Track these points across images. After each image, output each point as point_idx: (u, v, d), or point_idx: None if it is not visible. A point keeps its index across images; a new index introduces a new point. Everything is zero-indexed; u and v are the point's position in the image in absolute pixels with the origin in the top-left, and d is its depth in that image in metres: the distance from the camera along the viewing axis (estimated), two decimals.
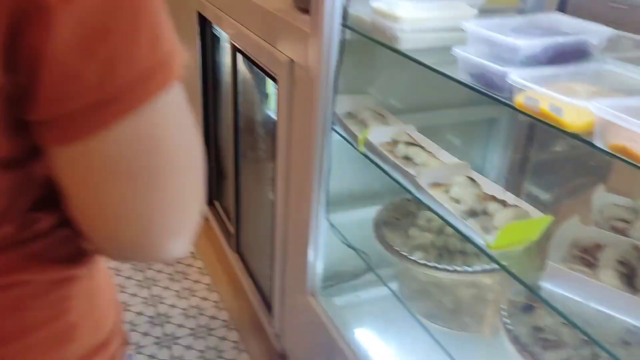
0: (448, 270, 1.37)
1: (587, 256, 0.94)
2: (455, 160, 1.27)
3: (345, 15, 1.35)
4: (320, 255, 1.70)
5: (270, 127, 1.92)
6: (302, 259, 1.73)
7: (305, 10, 1.64)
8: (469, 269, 1.37)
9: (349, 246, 1.68)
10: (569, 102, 0.79)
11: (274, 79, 1.70)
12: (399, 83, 1.64)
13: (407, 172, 1.18)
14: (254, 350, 2.10)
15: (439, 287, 1.65)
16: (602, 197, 1.11)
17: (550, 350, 1.10)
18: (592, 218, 1.05)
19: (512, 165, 1.85)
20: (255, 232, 2.29)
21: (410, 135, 1.35)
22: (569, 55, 0.95)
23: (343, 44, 1.38)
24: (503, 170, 1.85)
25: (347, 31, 1.37)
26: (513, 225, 0.99)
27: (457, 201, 1.10)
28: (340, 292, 1.80)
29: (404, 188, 1.21)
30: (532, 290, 0.93)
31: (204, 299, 2.39)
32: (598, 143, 0.76)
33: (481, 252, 1.02)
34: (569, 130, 0.81)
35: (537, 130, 1.79)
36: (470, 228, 1.03)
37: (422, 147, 1.31)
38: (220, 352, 2.09)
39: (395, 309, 1.59)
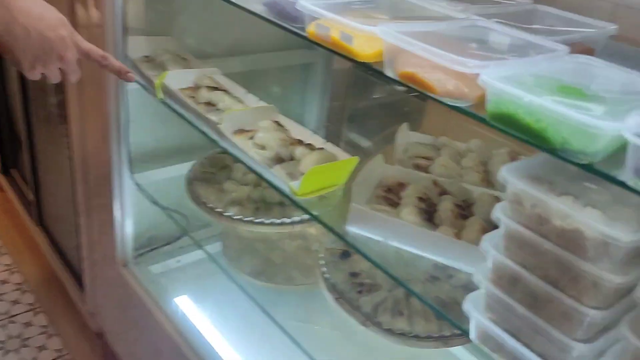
0: (264, 224, 1.30)
1: (390, 195, 0.91)
2: (262, 103, 1.18)
3: None
4: (128, 220, 1.52)
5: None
6: (110, 227, 1.54)
7: None
8: (287, 221, 1.31)
9: (161, 207, 1.53)
10: (360, 29, 0.72)
11: None
12: (205, 24, 1.49)
13: (208, 118, 1.06)
14: (67, 332, 1.87)
15: (263, 243, 1.58)
16: (405, 136, 1.10)
17: (366, 294, 1.09)
18: (397, 157, 1.03)
19: (330, 113, 1.82)
20: (57, 200, 2.01)
21: (214, 80, 1.22)
22: None
23: None
24: (322, 117, 1.82)
25: None
26: (317, 168, 0.92)
27: (262, 147, 1.01)
28: (156, 259, 1.65)
29: (207, 137, 1.09)
30: (340, 236, 0.88)
31: (4, 281, 2.07)
32: (388, 72, 0.71)
33: (289, 200, 0.94)
34: (359, 59, 0.74)
35: (354, 77, 1.78)
36: (275, 175, 0.95)
37: (226, 92, 1.19)
38: (25, 340, 1.82)
39: (219, 271, 1.50)
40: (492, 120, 0.60)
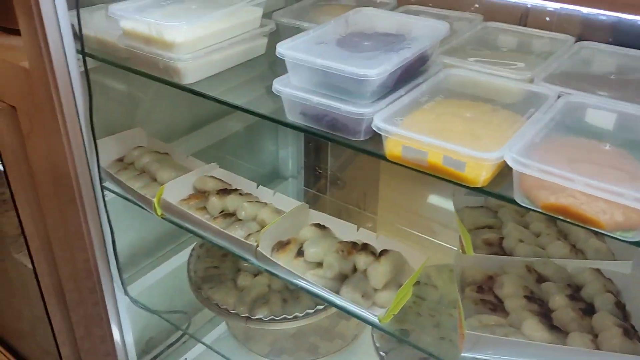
0: (298, 318, 1.16)
1: (487, 296, 0.81)
2: (285, 198, 1.02)
3: (80, 39, 0.94)
4: (128, 336, 1.32)
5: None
6: (103, 343, 1.33)
7: (8, 30, 1.15)
8: (321, 307, 1.17)
9: (160, 315, 1.34)
10: (470, 154, 0.59)
11: None
12: (166, 105, 1.29)
13: (244, 242, 0.89)
14: None
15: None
16: (460, 202, 1.00)
17: None
18: (464, 234, 0.93)
19: (307, 155, 1.69)
20: (17, 314, 1.74)
21: (217, 179, 1.05)
22: (412, 68, 0.76)
23: (87, 76, 0.98)
24: (300, 160, 1.68)
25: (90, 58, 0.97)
26: (403, 290, 0.80)
27: (319, 265, 0.86)
28: None
29: (243, 258, 0.93)
30: None
31: None
32: (521, 200, 0.59)
33: (372, 326, 0.82)
34: (471, 186, 0.62)
35: None
36: (348, 302, 0.81)
37: (238, 193, 1.02)
38: None
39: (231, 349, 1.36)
40: None
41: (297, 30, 0.95)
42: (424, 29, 0.80)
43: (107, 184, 1.10)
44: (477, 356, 0.74)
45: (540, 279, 0.83)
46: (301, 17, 0.99)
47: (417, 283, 1.05)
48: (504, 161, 0.58)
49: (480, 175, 0.60)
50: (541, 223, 0.93)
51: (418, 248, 1.25)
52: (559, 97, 0.71)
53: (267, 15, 0.99)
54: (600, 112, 0.67)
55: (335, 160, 1.68)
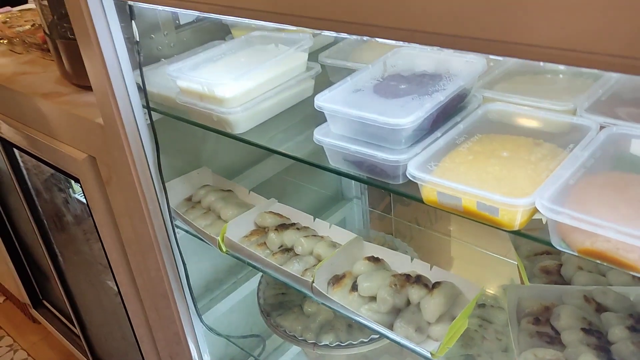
0: (364, 343, 1.18)
1: (544, 328, 0.80)
2: (341, 230, 1.06)
3: (145, 95, 1.02)
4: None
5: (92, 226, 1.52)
6: None
7: (87, 87, 1.27)
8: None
9: (235, 343, 1.41)
10: (501, 201, 0.60)
11: (75, 179, 1.31)
12: (225, 144, 1.37)
13: (299, 278, 0.94)
14: None
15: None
16: None
17: None
18: (519, 263, 0.92)
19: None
20: (108, 335, 1.89)
21: (275, 215, 1.10)
22: (449, 107, 0.77)
23: (153, 128, 1.06)
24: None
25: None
26: (456, 324, 0.81)
27: (372, 299, 0.89)
28: None
29: (302, 292, 0.97)
30: None
31: None
32: (558, 244, 0.59)
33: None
34: (506, 229, 0.63)
35: None
36: (401, 338, 0.83)
37: (295, 227, 1.06)
38: None
39: None
40: None
41: (342, 70, 0.99)
42: (462, 66, 0.81)
43: (177, 222, 1.19)
44: None
45: (600, 308, 0.81)
46: (345, 57, 1.02)
47: (484, 305, 1.05)
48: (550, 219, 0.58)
49: (515, 219, 0.61)
50: None
51: (487, 266, 1.23)
52: (601, 128, 0.69)
53: (313, 55, 1.04)
54: None
55: None
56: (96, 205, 1.28)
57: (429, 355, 0.80)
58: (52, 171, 1.60)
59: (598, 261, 0.57)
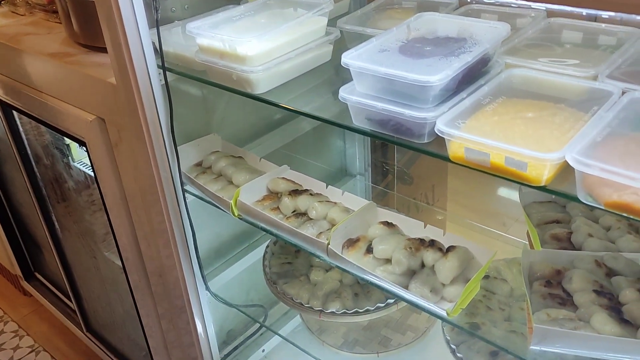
0: (370, 312, 1.20)
1: (555, 290, 0.82)
2: (353, 197, 1.07)
3: (161, 55, 1.02)
4: (210, 329, 1.41)
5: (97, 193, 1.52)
6: (188, 336, 1.43)
7: (96, 48, 1.26)
8: (391, 301, 1.21)
9: (239, 310, 1.42)
10: (531, 155, 0.62)
11: (81, 142, 1.30)
12: (239, 110, 1.37)
13: (315, 240, 0.95)
14: None
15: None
16: (525, 196, 1.01)
17: None
18: (531, 229, 0.94)
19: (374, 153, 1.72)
20: (106, 307, 1.89)
21: (289, 181, 1.11)
22: (474, 71, 0.78)
23: (167, 89, 1.06)
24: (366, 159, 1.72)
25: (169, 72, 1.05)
26: (470, 285, 0.83)
27: (387, 261, 0.90)
28: (242, 355, 1.55)
29: (315, 255, 0.98)
30: (520, 357, 0.79)
31: None
32: (584, 198, 0.61)
33: (441, 319, 0.85)
34: (534, 185, 0.64)
35: None
36: (417, 297, 0.85)
37: (309, 193, 1.07)
38: None
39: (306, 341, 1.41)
40: None
41: (361, 37, 0.99)
42: (485, 31, 0.82)
43: (187, 187, 1.19)
44: (546, 349, 0.75)
45: (610, 273, 0.83)
46: (364, 24, 1.03)
47: (487, 277, 1.07)
48: (566, 160, 0.60)
49: (543, 174, 0.62)
50: (611, 217, 0.93)
51: (487, 242, 1.26)
52: (623, 93, 0.71)
53: (331, 22, 1.04)
54: None
55: (402, 156, 1.70)
56: (103, 168, 1.27)
57: (444, 314, 0.82)
58: (54, 136, 1.59)
59: (624, 214, 0.58)
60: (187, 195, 1.20)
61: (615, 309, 0.76)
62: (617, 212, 0.59)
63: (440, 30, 0.85)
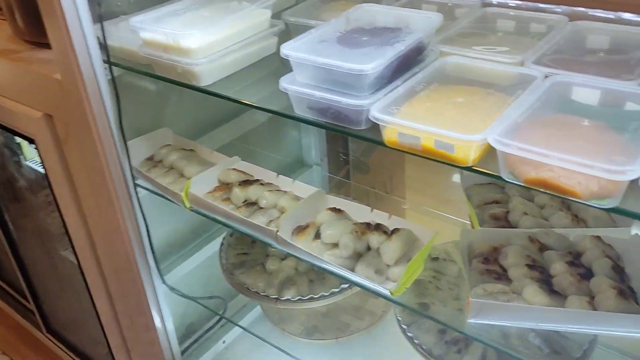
0: (325, 297, 1.23)
1: (492, 266, 0.86)
2: (304, 185, 1.09)
3: (106, 50, 1.02)
4: (169, 323, 1.42)
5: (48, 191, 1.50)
6: (146, 331, 1.43)
7: (42, 45, 1.25)
8: (345, 286, 1.24)
9: (198, 302, 1.43)
10: (457, 137, 0.65)
11: (30, 140, 1.29)
12: (190, 104, 1.38)
13: (265, 228, 0.97)
14: None
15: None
16: (466, 179, 1.05)
17: (465, 351, 1.05)
18: (471, 210, 0.98)
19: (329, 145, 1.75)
20: (66, 306, 1.87)
21: (239, 171, 1.12)
22: (409, 59, 0.81)
23: (114, 83, 1.06)
24: (322, 149, 1.74)
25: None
26: (412, 264, 0.86)
27: (335, 246, 0.93)
28: (203, 348, 1.56)
29: (266, 242, 1.00)
30: (460, 332, 0.83)
31: None
32: (506, 176, 0.65)
33: (386, 299, 0.88)
34: (461, 165, 0.68)
35: None
36: (362, 279, 0.88)
37: (260, 183, 1.09)
38: None
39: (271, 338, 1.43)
40: None
41: (306, 28, 1.01)
42: (420, 21, 0.86)
43: (139, 181, 1.19)
44: (482, 322, 0.80)
45: (543, 248, 0.88)
46: (310, 15, 1.05)
47: (437, 259, 1.11)
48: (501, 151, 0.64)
49: (469, 155, 0.66)
50: (545, 196, 0.98)
51: (443, 227, 1.30)
52: (546, 77, 0.75)
53: (277, 15, 1.06)
54: (585, 90, 0.72)
55: (359, 146, 1.74)
56: (52, 166, 1.27)
57: (388, 293, 0.85)
58: (4, 135, 1.56)
59: (542, 190, 0.62)
60: (139, 189, 1.20)
61: (545, 281, 0.81)
62: (536, 188, 0.63)
63: (379, 20, 0.88)
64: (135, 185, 1.19)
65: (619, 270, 0.81)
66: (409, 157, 1.65)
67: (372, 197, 1.74)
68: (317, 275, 1.29)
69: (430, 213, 1.51)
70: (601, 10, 0.84)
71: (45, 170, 1.30)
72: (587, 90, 0.71)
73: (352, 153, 1.76)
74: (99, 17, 0.98)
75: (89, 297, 1.54)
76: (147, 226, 1.22)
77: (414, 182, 1.88)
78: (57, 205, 1.36)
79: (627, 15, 0.81)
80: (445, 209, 1.43)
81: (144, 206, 1.21)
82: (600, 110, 0.69)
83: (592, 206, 0.60)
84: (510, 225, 0.96)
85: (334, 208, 1.00)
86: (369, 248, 0.94)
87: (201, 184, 1.09)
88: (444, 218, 1.42)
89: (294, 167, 1.73)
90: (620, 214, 0.59)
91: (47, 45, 1.20)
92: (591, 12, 0.86)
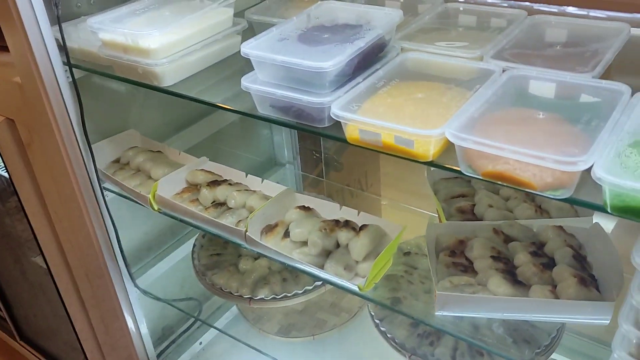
0: (299, 295, 1.23)
1: (459, 259, 0.87)
2: (273, 184, 1.09)
3: (65, 52, 1.00)
4: (142, 326, 1.41)
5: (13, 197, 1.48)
6: (121, 336, 1.42)
7: (2, 48, 1.22)
8: (319, 283, 1.25)
9: (171, 305, 1.43)
10: (416, 133, 0.66)
11: None
12: (158, 106, 1.36)
13: (233, 228, 0.96)
14: None
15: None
16: (432, 174, 1.06)
17: (437, 344, 1.06)
18: (437, 204, 0.99)
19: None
20: (39, 313, 1.84)
21: (207, 172, 1.12)
22: (369, 55, 0.82)
23: (75, 85, 1.05)
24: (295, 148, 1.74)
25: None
26: (380, 259, 0.87)
27: (304, 244, 0.93)
28: (180, 349, 1.56)
29: (236, 243, 1.00)
30: (427, 324, 0.84)
31: None
32: (465, 170, 0.66)
33: (355, 294, 0.89)
34: (421, 160, 0.68)
35: None
36: (331, 275, 0.88)
37: (228, 183, 1.09)
38: None
39: (247, 338, 1.43)
40: (614, 211, 0.57)
41: (269, 26, 1.01)
42: (381, 18, 0.86)
43: (106, 184, 1.18)
44: (449, 314, 0.81)
45: (508, 239, 0.89)
46: (273, 13, 1.05)
47: (409, 253, 1.12)
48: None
49: (429, 150, 0.67)
50: (510, 188, 0.99)
51: (418, 222, 1.31)
52: (504, 71, 0.76)
53: (240, 13, 1.05)
54: (541, 83, 0.73)
55: (332, 143, 1.73)
56: (17, 171, 1.24)
57: (356, 289, 0.86)
58: None
59: (499, 182, 0.63)
60: (106, 192, 1.19)
61: (510, 272, 0.82)
62: (493, 181, 0.63)
63: (340, 17, 0.88)
64: (102, 188, 1.17)
65: (580, 259, 0.83)
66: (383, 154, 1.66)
67: (347, 194, 1.74)
68: (290, 274, 1.29)
69: (404, 209, 1.52)
70: (545, 5, 0.85)
71: (10, 175, 1.28)
72: (543, 83, 0.73)
73: (325, 151, 1.75)
74: (57, 19, 0.96)
75: (61, 304, 1.52)
76: (116, 230, 1.21)
77: (389, 178, 1.89)
78: (24, 210, 1.33)
79: (571, 9, 0.82)
80: (420, 203, 1.44)
81: (112, 209, 1.20)
82: (555, 103, 0.70)
83: (547, 197, 0.61)
84: (476, 218, 0.97)
85: (303, 206, 1.00)
86: (338, 245, 0.94)
87: (169, 186, 1.08)
88: (418, 213, 1.44)
89: (267, 166, 1.72)
90: (573, 204, 0.60)
91: (5, 48, 1.18)
92: (536, 6, 0.88)
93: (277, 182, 1.07)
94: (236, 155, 1.61)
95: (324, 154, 1.76)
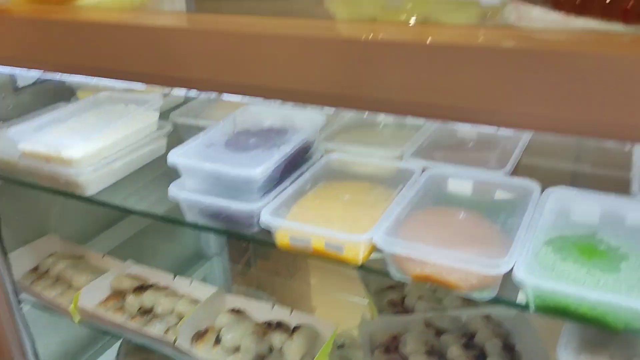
0: None
1: (393, 356, 0.87)
2: (202, 286, 1.06)
3: None
4: None
5: None
6: None
7: None
8: None
9: None
10: (345, 239, 0.67)
11: None
12: (74, 208, 1.31)
13: (160, 340, 0.92)
14: None
15: None
16: None
17: None
18: (369, 298, 1.00)
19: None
20: None
21: (133, 277, 1.07)
22: (296, 159, 0.84)
23: None
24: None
25: None
26: None
27: (236, 350, 0.90)
28: None
29: (165, 354, 0.95)
30: None
31: None
32: (395, 274, 0.67)
33: None
34: (352, 265, 0.69)
35: None
36: None
37: (155, 287, 1.05)
38: None
39: None
40: (538, 311, 0.59)
41: (194, 128, 1.02)
42: (305, 120, 0.89)
43: (22, 295, 1.10)
44: None
45: (439, 332, 0.90)
46: (198, 115, 1.06)
47: (342, 346, 1.10)
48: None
49: (358, 254, 0.68)
50: None
51: (348, 309, 1.30)
52: (423, 170, 0.80)
53: (165, 114, 1.06)
54: (458, 182, 0.77)
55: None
56: None
57: None
58: None
59: (428, 284, 0.65)
60: (23, 305, 1.11)
61: None
62: (423, 283, 0.65)
63: (265, 121, 0.91)
64: (19, 300, 1.09)
65: (509, 349, 0.85)
66: None
67: (276, 284, 1.72)
68: None
69: (334, 296, 1.52)
70: None
71: None
72: (460, 181, 0.77)
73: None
74: None
75: None
76: (33, 342, 1.12)
77: (316, 261, 1.88)
78: None
79: None
80: (349, 287, 1.44)
81: (30, 316, 1.11)
82: (473, 200, 0.75)
83: (474, 299, 0.63)
84: (407, 310, 0.98)
85: (233, 309, 0.98)
86: (271, 349, 0.92)
87: (92, 294, 1.03)
88: (348, 299, 1.43)
89: (194, 260, 1.68)
90: (498, 304, 0.62)
91: None
92: None
93: (206, 277, 1.04)
94: (162, 251, 1.56)
95: (252, 242, 1.75)
